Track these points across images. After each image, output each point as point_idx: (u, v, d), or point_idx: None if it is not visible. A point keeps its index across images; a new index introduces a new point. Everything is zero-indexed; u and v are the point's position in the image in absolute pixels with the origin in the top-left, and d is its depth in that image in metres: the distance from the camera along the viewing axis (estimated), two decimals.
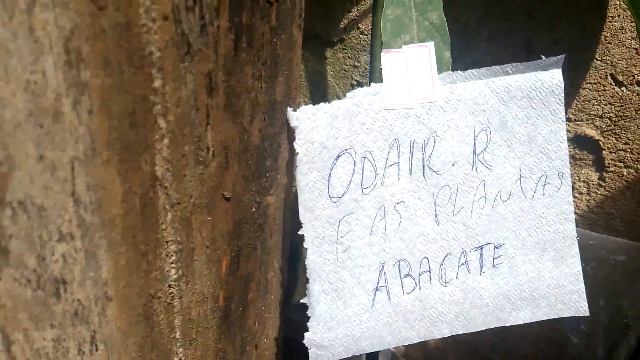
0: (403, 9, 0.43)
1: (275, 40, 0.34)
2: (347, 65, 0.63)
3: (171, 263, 0.30)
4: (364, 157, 0.41)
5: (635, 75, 0.50)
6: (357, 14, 0.59)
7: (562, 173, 0.42)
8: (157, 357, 0.32)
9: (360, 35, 0.60)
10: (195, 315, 0.35)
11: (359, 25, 0.60)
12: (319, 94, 0.65)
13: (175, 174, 0.29)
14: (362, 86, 0.64)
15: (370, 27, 0.59)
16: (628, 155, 0.54)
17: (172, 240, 0.30)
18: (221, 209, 0.34)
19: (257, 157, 0.37)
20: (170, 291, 0.31)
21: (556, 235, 0.44)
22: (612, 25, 0.50)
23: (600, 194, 0.56)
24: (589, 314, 0.43)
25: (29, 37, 0.19)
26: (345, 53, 0.62)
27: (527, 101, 0.41)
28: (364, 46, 0.61)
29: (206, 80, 0.29)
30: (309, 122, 0.39)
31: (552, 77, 0.41)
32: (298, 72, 0.40)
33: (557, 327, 0.56)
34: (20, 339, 0.23)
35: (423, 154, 0.42)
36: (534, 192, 0.43)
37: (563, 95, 0.41)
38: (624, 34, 0.49)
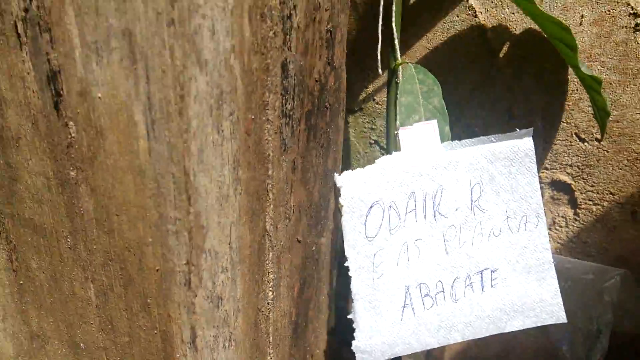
0: (413, 96, 0.61)
1: (328, 130, 0.52)
2: (365, 128, 0.81)
3: (270, 287, 0.47)
4: (389, 207, 0.58)
5: (594, 134, 0.68)
6: (373, 89, 0.78)
7: (538, 214, 0.59)
8: (259, 355, 0.49)
9: (376, 105, 0.79)
10: (280, 326, 0.51)
11: (374, 97, 0.78)
12: (344, 150, 0.83)
13: (274, 227, 0.46)
14: (378, 144, 0.82)
15: (383, 98, 0.77)
16: (595, 195, 0.71)
17: (271, 271, 0.47)
18: (295, 249, 0.51)
19: (316, 210, 0.54)
20: (268, 307, 0.48)
21: (537, 261, 0.60)
22: (572, 96, 0.68)
23: (576, 227, 0.74)
24: (567, 321, 0.60)
25: (220, 156, 0.37)
26: (364, 119, 0.80)
27: (508, 161, 0.59)
28: (379, 113, 0.79)
29: (292, 164, 0.47)
30: (349, 182, 0.56)
31: (526, 144, 0.58)
32: (341, 148, 0.57)
33: (552, 340, 0.72)
34: (200, 334, 0.40)
35: (433, 202, 0.59)
36: (518, 228, 0.60)
37: (534, 156, 0.58)
38: (582, 102, 0.68)
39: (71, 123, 0.36)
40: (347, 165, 0.85)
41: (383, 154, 0.81)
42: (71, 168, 0.38)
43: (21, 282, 0.48)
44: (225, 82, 0.34)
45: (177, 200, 0.35)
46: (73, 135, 0.36)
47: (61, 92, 0.35)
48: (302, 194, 0.50)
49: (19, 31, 0.35)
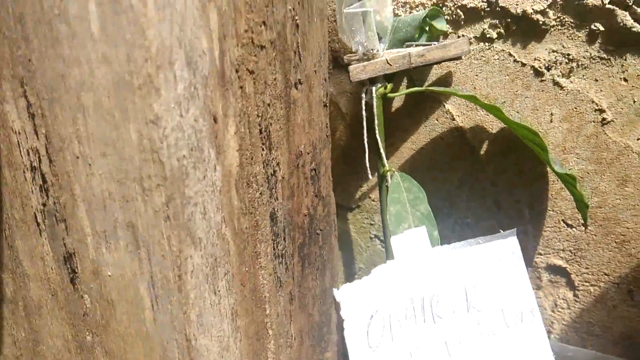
0: (401, 204, 0.66)
1: (322, 252, 0.57)
2: (365, 223, 0.86)
3: None
4: (389, 315, 0.62)
5: (579, 219, 0.72)
6: (367, 188, 0.83)
7: (533, 309, 0.63)
8: None
9: (372, 202, 0.84)
10: None
11: (370, 195, 0.83)
12: (346, 245, 0.88)
13: (277, 358, 0.50)
14: (378, 239, 0.87)
15: (377, 195, 0.82)
16: (590, 276, 0.75)
17: None
18: None
19: (318, 329, 0.58)
20: None
21: (536, 352, 0.64)
22: (554, 186, 0.73)
23: (578, 307, 0.77)
24: None
25: (219, 314, 0.41)
26: (363, 215, 0.85)
27: (497, 260, 0.63)
28: (376, 209, 0.84)
29: (289, 296, 0.51)
30: (348, 296, 0.60)
31: (511, 244, 0.63)
32: (337, 263, 0.62)
33: None
34: None
35: (431, 306, 0.63)
36: (515, 324, 0.63)
37: (521, 254, 0.62)
38: (564, 192, 0.72)
39: (86, 296, 0.41)
40: (350, 260, 0.89)
41: (384, 247, 0.86)
42: (87, 333, 0.43)
43: None
44: (219, 249, 0.40)
45: None
46: (88, 305, 0.41)
47: (76, 270, 0.41)
48: (302, 319, 0.54)
49: (38, 220, 0.41)
